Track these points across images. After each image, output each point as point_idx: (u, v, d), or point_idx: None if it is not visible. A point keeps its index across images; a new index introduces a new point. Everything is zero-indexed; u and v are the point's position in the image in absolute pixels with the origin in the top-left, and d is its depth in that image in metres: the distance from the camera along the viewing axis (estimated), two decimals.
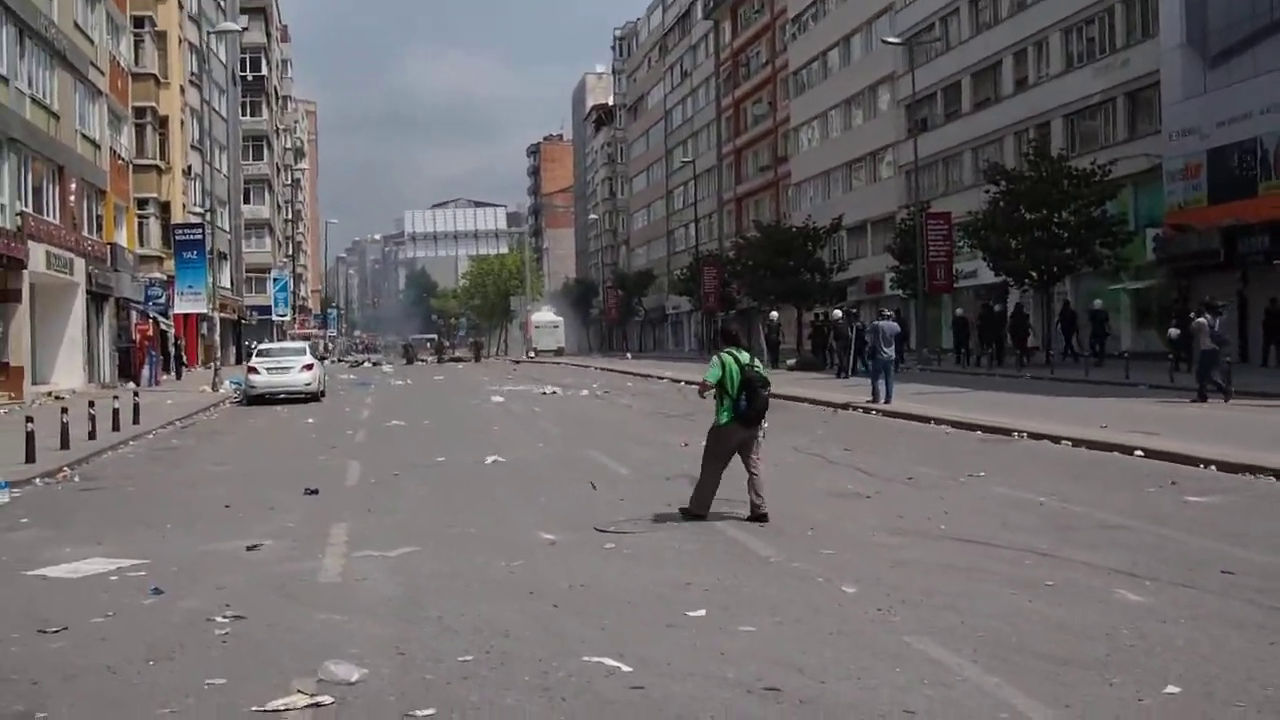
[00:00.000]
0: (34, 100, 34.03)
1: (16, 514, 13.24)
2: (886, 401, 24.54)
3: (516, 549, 10.21)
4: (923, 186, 54.95)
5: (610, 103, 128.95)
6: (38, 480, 16.06)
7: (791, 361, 44.12)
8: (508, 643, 7.17)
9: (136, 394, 26.12)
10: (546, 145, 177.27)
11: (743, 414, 11.35)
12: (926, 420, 21.30)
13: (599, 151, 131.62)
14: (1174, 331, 30.37)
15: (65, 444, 19.31)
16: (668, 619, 7.67)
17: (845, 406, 24.87)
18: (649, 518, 11.68)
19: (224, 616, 8.01)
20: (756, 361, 11.55)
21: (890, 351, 25.35)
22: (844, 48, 66.81)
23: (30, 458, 17.48)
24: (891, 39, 48.58)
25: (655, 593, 8.42)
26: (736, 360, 11.33)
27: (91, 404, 21.72)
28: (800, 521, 11.22)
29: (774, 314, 53.83)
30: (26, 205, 33.45)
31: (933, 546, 9.90)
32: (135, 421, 24.56)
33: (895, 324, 26.60)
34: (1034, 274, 39.35)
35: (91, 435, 21.05)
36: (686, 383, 36.91)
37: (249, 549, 10.58)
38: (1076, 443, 16.94)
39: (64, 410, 19.79)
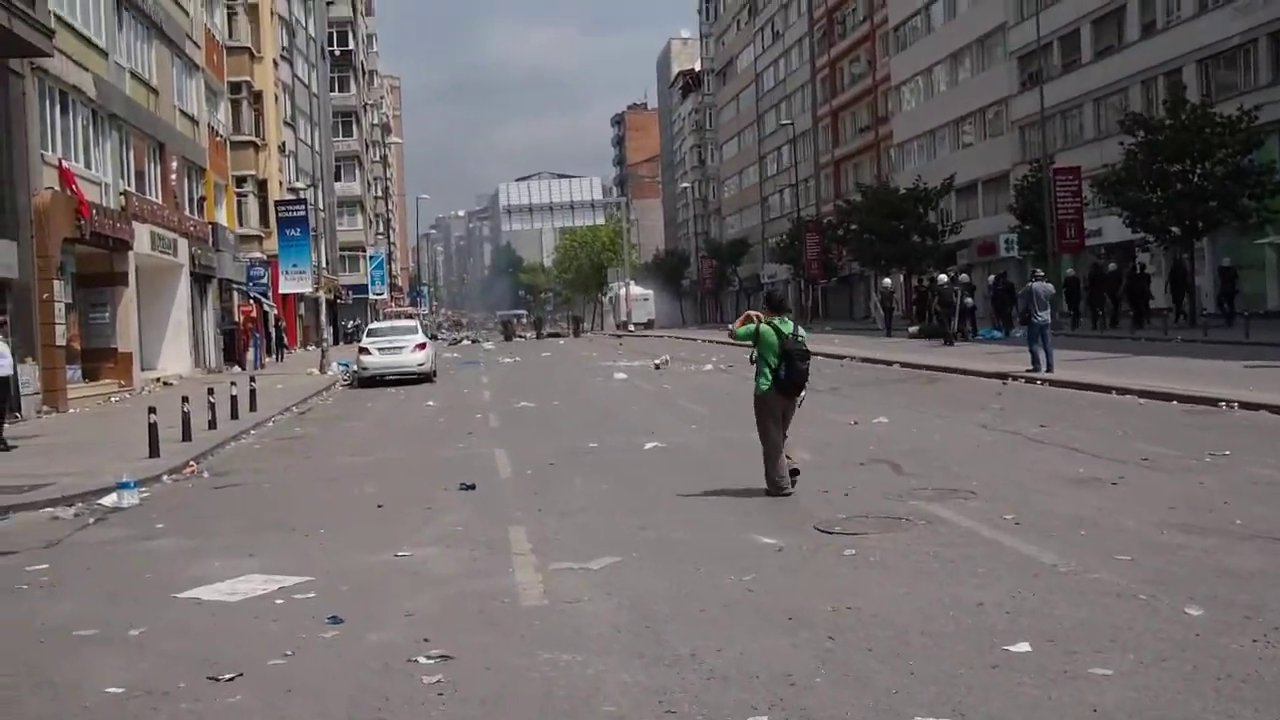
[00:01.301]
0: (134, 75, 33.11)
1: (151, 518, 12.01)
2: (1049, 370, 22.71)
3: (739, 557, 8.70)
4: (1040, 142, 52.50)
5: (697, 68, 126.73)
6: (165, 478, 14.88)
7: (914, 329, 42.16)
8: (800, 695, 5.65)
9: (253, 379, 25.01)
10: (631, 114, 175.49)
11: (782, 383, 11.26)
12: (1107, 390, 19.45)
13: (686, 119, 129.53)
14: None
15: (187, 435, 18.17)
16: (987, 657, 6.10)
17: (1005, 377, 23.00)
18: (871, 514, 10.09)
19: (427, 657, 6.57)
20: (801, 332, 11.44)
21: (1045, 315, 23.52)
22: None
23: (154, 452, 16.34)
24: None
25: (947, 618, 6.85)
26: (778, 330, 11.25)
27: (211, 391, 20.59)
28: (1056, 517, 9.56)
29: (886, 280, 52.11)
30: (130, 185, 32.58)
31: (1247, 548, 8.21)
32: (253, 408, 23.49)
33: (1049, 285, 24.72)
34: (1175, 229, 37.00)
35: (212, 424, 19.94)
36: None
37: (426, 560, 9.20)
38: None
39: (185, 399, 18.59)
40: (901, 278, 56.85)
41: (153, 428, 16.37)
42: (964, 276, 44.58)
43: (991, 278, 44.35)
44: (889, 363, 29.21)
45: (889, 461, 12.98)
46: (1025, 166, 51.06)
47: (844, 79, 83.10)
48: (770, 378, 11.27)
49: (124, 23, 32.63)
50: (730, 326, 11.91)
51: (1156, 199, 36.79)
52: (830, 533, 9.42)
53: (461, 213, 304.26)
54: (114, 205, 30.62)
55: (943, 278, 39.77)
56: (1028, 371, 22.87)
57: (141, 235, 32.35)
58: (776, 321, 11.35)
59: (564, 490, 12.40)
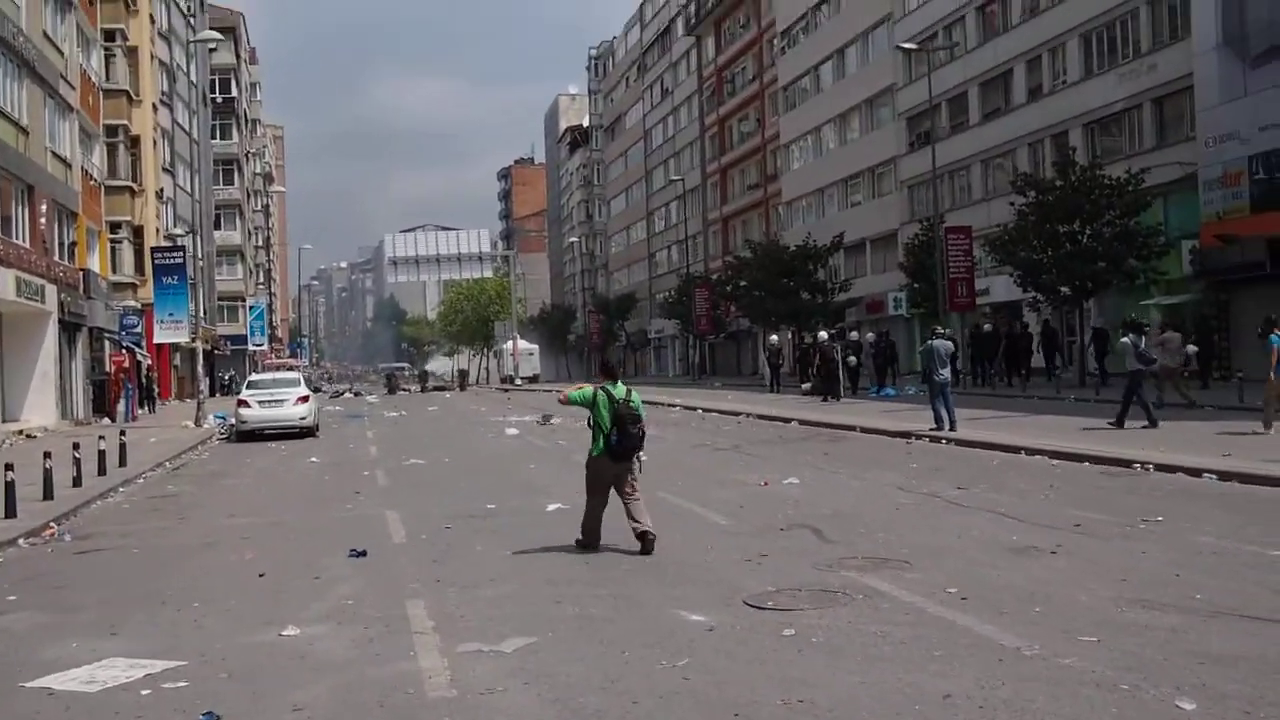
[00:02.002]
0: (2, 114, 31.50)
1: (2, 589, 10.78)
2: (952, 428, 22.33)
3: (668, 637, 7.87)
4: (928, 201, 52.99)
5: (585, 124, 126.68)
6: (22, 541, 13.60)
7: (807, 385, 41.85)
8: None
9: (123, 432, 23.56)
10: (517, 169, 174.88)
11: (613, 448, 11.24)
12: (1015, 449, 19.03)
13: (574, 174, 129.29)
14: (1191, 348, 28.92)
15: (49, 493, 16.82)
16: None
17: (909, 435, 22.58)
18: (803, 587, 9.34)
19: None
20: (634, 396, 11.45)
21: (946, 373, 23.20)
22: (838, 60, 64.81)
23: (10, 511, 15.01)
24: (906, 44, 46.41)
25: (914, 713, 6.09)
26: (610, 395, 11.26)
27: (77, 445, 19.19)
28: (1002, 590, 8.90)
29: (774, 337, 52.15)
30: None
31: (1218, 627, 7.59)
32: (122, 464, 22.12)
33: (949, 342, 24.39)
34: (1065, 289, 37.26)
35: (76, 482, 18.57)
36: (704, 410, 34.75)
37: (315, 640, 8.20)
38: (1223, 475, 14.72)
39: (47, 454, 17.23)
40: (790, 335, 56.76)
41: (9, 485, 15.05)
42: (853, 334, 44.59)
43: (871, 335, 44.56)
44: (787, 419, 28.68)
45: (809, 526, 12.27)
46: (914, 225, 51.37)
47: (733, 137, 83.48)
48: (603, 443, 11.26)
49: None
50: (564, 391, 12.06)
51: (1047, 259, 37.01)
52: (763, 608, 8.63)
53: (344, 264, 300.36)
54: None
55: (823, 335, 40.11)
56: (931, 430, 22.46)
57: (6, 281, 30.71)
58: (609, 386, 11.40)
59: (464, 557, 11.45)
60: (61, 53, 37.74)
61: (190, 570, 11.51)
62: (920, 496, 14.33)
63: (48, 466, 16.94)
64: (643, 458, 11.58)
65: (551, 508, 14.58)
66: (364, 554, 11.68)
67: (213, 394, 65.46)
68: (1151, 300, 39.15)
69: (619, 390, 11.35)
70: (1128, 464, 16.38)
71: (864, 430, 24.52)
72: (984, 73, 50.78)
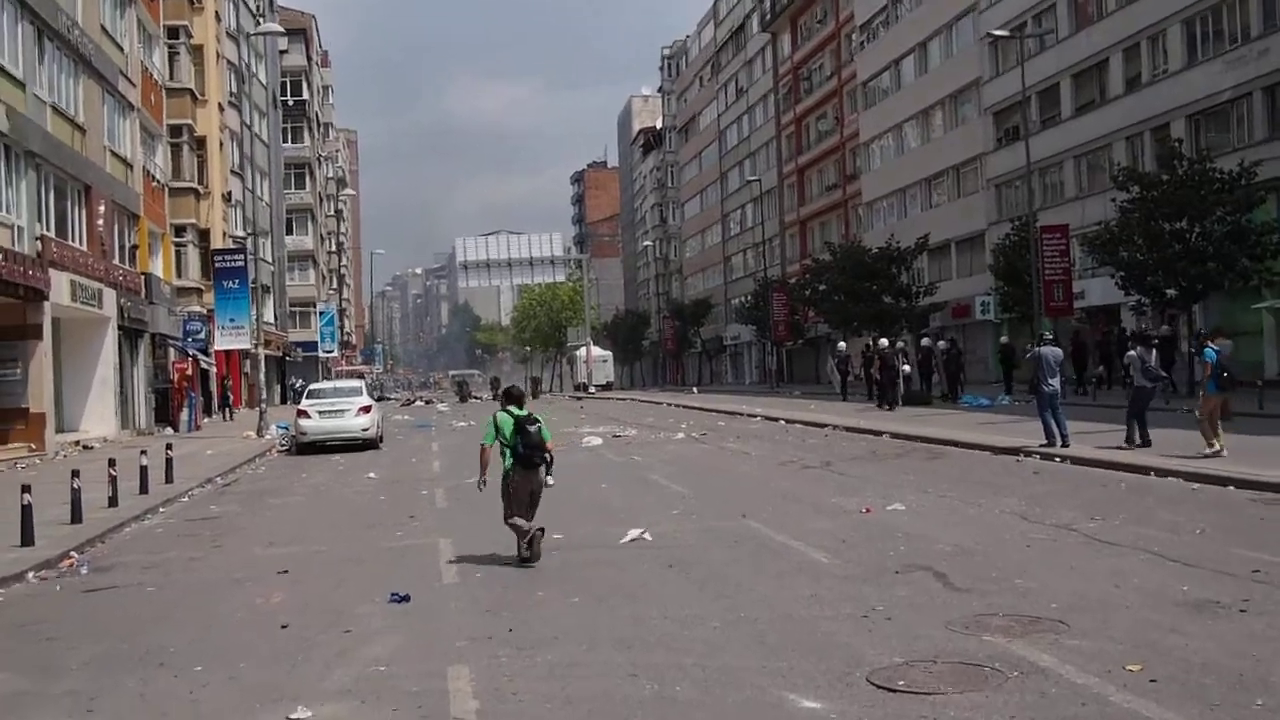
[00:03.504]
0: (56, 110, 30.39)
1: None
2: (1064, 444, 20.29)
3: None
4: (1018, 200, 50.69)
5: (659, 125, 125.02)
6: (31, 575, 12.12)
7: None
8: None
9: (170, 446, 22.15)
10: (590, 172, 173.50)
11: (520, 455, 11.71)
12: (1143, 470, 16.97)
13: (647, 176, 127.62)
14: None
15: (77, 516, 15.38)
16: None
17: (1017, 452, 20.53)
18: (939, 656, 7.50)
19: None
20: (537, 418, 11.91)
21: (1056, 383, 21.10)
22: (920, 54, 62.48)
23: (27, 539, 13.56)
24: (998, 31, 44.06)
25: None
26: (514, 415, 11.81)
27: (112, 463, 17.76)
28: (1200, 667, 6.98)
29: (841, 344, 50.69)
30: (49, 229, 29.79)
31: None
32: (168, 479, 20.74)
33: (1058, 349, 22.32)
34: (1171, 291, 34.91)
35: (112, 501, 17.18)
36: (787, 421, 32.88)
37: None
38: None
39: (74, 474, 15.77)
40: (870, 341, 54.62)
41: (25, 510, 13.60)
42: (924, 341, 42.81)
43: (942, 343, 42.91)
44: (878, 432, 26.67)
45: (929, 568, 10.40)
46: (1004, 225, 49.02)
47: (810, 136, 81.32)
48: (511, 456, 11.73)
49: (46, 54, 29.95)
50: (482, 446, 12.28)
51: (1152, 259, 34.69)
52: (893, 690, 6.81)
53: (419, 270, 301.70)
54: (28, 250, 27.80)
55: (884, 342, 39.31)
56: (1042, 446, 20.42)
57: (60, 284, 29.53)
58: (513, 408, 11.96)
59: (523, 606, 9.72)
60: (121, 49, 36.69)
61: (206, 617, 9.90)
62: (1051, 529, 12.37)
63: (75, 486, 15.49)
64: (550, 481, 12.14)
65: (626, 539, 12.80)
66: (406, 599, 10.02)
67: (283, 401, 64.74)
68: (1264, 303, 36.66)
69: (522, 412, 11.87)
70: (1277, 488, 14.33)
71: (966, 445, 22.47)
72: (1077, 63, 48.28)
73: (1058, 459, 19.37)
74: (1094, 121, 47.15)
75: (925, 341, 44.16)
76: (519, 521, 11.71)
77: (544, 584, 10.59)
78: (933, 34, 60.84)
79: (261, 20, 66.37)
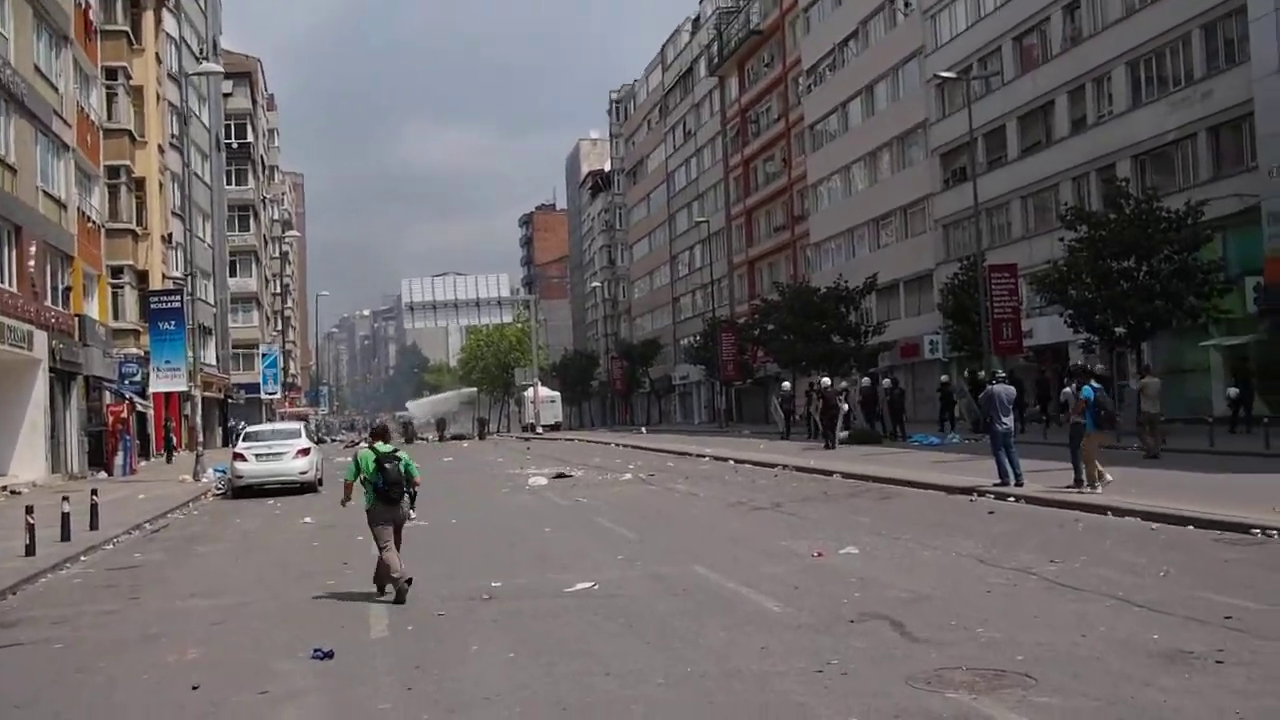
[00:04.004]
0: None
1: None
2: (1018, 483, 19.91)
3: None
4: (966, 240, 50.73)
5: (607, 168, 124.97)
6: None
7: (844, 434, 39.47)
8: None
9: (95, 492, 21.22)
10: (539, 215, 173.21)
11: (380, 490, 12.27)
12: (1100, 510, 16.55)
13: (596, 219, 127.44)
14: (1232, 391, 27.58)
15: None
16: None
17: (971, 492, 20.10)
18: (892, 713, 6.96)
19: None
20: (403, 455, 12.61)
21: (1009, 421, 20.78)
22: (867, 97, 62.66)
23: None
24: (945, 72, 44.10)
25: None
26: (377, 451, 12.41)
27: (29, 510, 16.91)
28: None
29: (785, 384, 51.07)
30: None
31: None
32: (93, 526, 19.84)
33: (1010, 387, 21.97)
34: (1120, 329, 34.80)
35: (29, 550, 16.33)
36: (736, 461, 32.37)
37: None
38: None
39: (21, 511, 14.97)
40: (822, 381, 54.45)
41: None
42: (865, 380, 43.20)
43: (887, 381, 43.79)
44: (829, 472, 26.21)
45: (886, 616, 9.87)
46: (952, 265, 48.98)
47: (758, 178, 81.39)
48: (372, 490, 12.33)
49: None
50: (346, 485, 12.98)
51: (1100, 297, 34.59)
52: None
53: (367, 312, 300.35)
54: None
55: (825, 381, 40.03)
56: (995, 485, 20.04)
57: None
58: (378, 445, 12.55)
59: (455, 663, 9.07)
60: (56, 89, 35.86)
61: (111, 677, 9.18)
62: (1011, 573, 11.88)
63: None
64: (412, 515, 12.92)
65: (572, 589, 12.17)
66: (330, 655, 9.33)
67: (225, 444, 63.49)
68: (1212, 341, 36.72)
69: (385, 448, 12.45)
70: (1244, 528, 13.95)
71: (919, 485, 22.03)
72: (1023, 105, 48.46)
73: (1012, 498, 18.97)
74: (1041, 162, 47.30)
75: (866, 381, 45.00)
76: (390, 558, 12.12)
77: (479, 637, 9.95)
78: (879, 77, 61.08)
79: (205, 62, 65.55)
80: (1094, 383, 19.74)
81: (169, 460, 46.47)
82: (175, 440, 51.40)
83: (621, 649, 9.23)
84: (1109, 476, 18.33)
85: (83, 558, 17.05)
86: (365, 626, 10.74)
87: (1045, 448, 27.36)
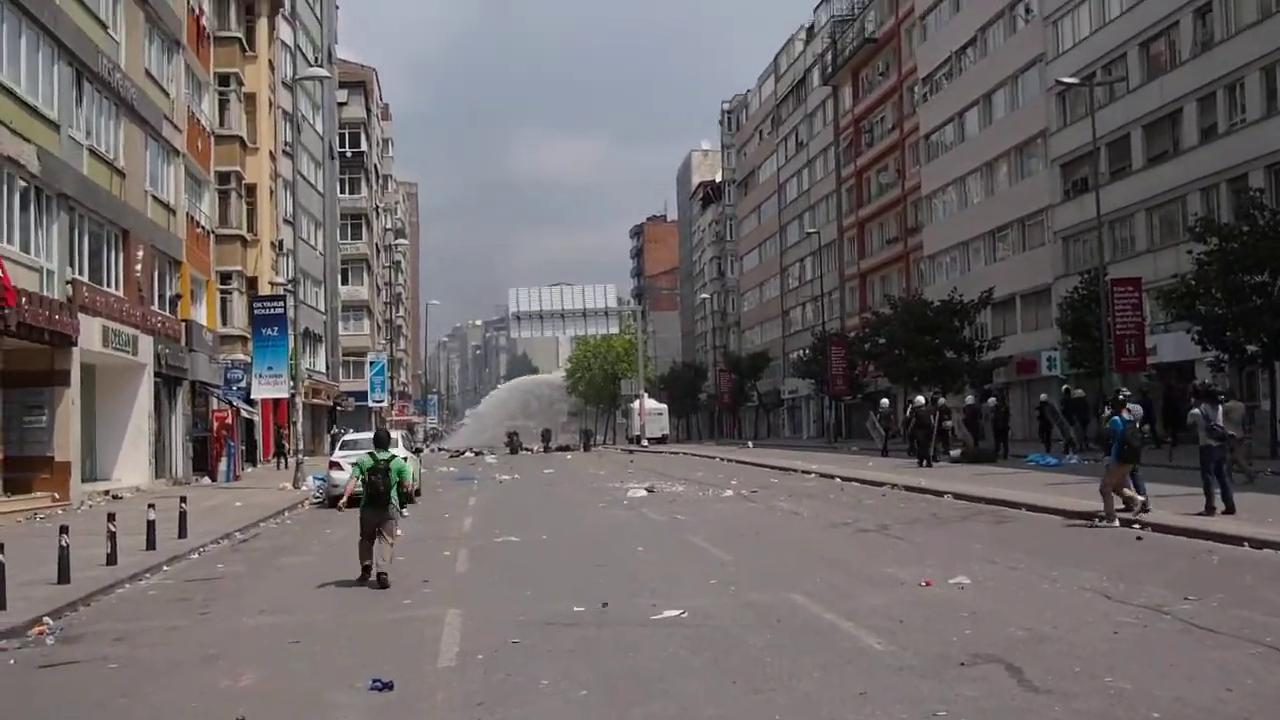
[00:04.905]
0: (93, 152, 29.67)
1: None
2: (1144, 510, 18.64)
3: None
4: (1086, 254, 48.98)
5: (718, 179, 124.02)
6: None
7: (956, 453, 38.14)
8: None
9: (184, 500, 20.86)
10: (650, 225, 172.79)
11: (368, 495, 14.18)
12: (1235, 540, 15.28)
13: (706, 230, 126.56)
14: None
15: (64, 575, 14.19)
16: None
17: (1092, 517, 18.85)
18: None
19: None
20: (395, 460, 14.31)
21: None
22: (984, 106, 60.95)
23: (1, 603, 12.34)
24: (1067, 78, 42.47)
25: None
26: (374, 457, 14.23)
27: (111, 517, 16.54)
28: None
29: (884, 401, 49.71)
30: (80, 272, 28.97)
31: None
32: (181, 534, 19.51)
33: (1138, 406, 20.66)
34: (1252, 346, 33.04)
35: (110, 559, 15.95)
36: (843, 479, 31.29)
37: None
38: None
39: (63, 530, 14.58)
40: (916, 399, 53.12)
41: None
42: (969, 399, 42.20)
43: (992, 400, 42.29)
44: (940, 493, 25.03)
45: (1001, 660, 8.88)
46: (1071, 279, 47.23)
47: (870, 189, 79.89)
48: (365, 492, 14.27)
49: (85, 96, 29.26)
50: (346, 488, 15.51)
51: (1231, 313, 32.87)
52: None
53: (479, 322, 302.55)
54: (57, 294, 26.92)
55: (919, 399, 39.36)
56: (1120, 510, 18.77)
57: (91, 330, 28.68)
58: (375, 451, 14.47)
59: (522, 699, 8.30)
60: (167, 94, 36.09)
61: (156, 706, 8.57)
62: (1140, 611, 10.78)
63: (64, 543, 14.30)
64: (405, 513, 15.14)
65: (659, 616, 11.34)
66: (390, 686, 8.63)
67: (333, 451, 63.77)
68: None
69: (384, 454, 14.34)
70: None
71: (1036, 509, 20.81)
72: (1149, 113, 46.58)
73: (1137, 525, 17.72)
74: (1167, 173, 45.38)
75: (971, 399, 44.15)
76: (369, 548, 14.17)
77: (553, 670, 9.16)
78: (998, 85, 59.33)
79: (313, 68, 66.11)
80: (1126, 414, 18.79)
81: (280, 466, 46.60)
82: (287, 446, 51.59)
83: (705, 689, 8.37)
84: (1136, 507, 18.02)
85: (165, 567, 16.66)
86: (434, 653, 10.02)
87: (1168, 470, 25.85)
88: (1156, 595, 11.54)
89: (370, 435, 35.96)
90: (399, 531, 14.96)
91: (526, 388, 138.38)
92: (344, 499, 14.62)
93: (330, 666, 9.61)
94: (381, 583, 13.79)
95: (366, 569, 14.25)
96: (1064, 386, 43.49)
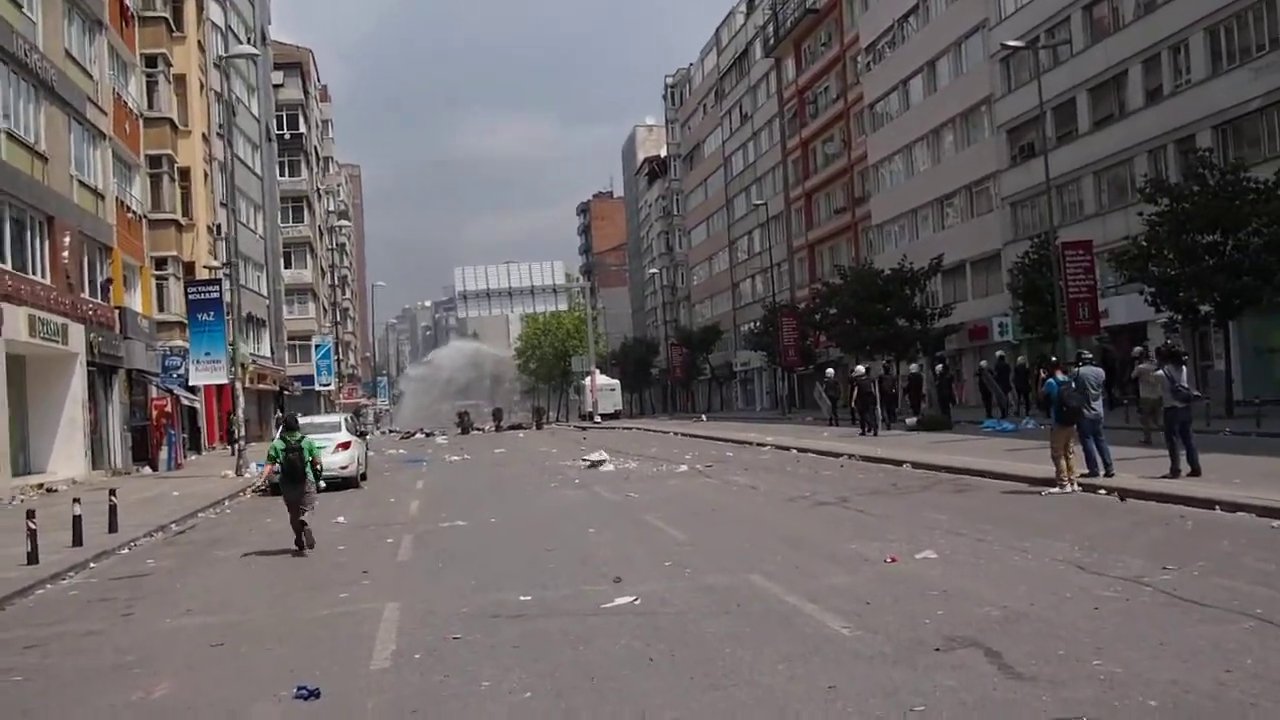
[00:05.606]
0: (11, 136, 28.48)
1: None
2: (1108, 474, 18.17)
3: None
4: (1035, 219, 48.70)
5: (663, 154, 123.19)
6: None
7: (911, 420, 37.74)
8: None
9: (113, 493, 19.91)
10: (596, 203, 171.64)
11: (286, 472, 16.07)
12: (1208, 504, 14.80)
13: (653, 205, 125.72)
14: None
15: None
16: None
17: (1052, 482, 18.32)
18: None
19: None
20: (305, 442, 16.31)
21: (1099, 407, 18.94)
22: (929, 73, 60.49)
23: None
24: (1013, 42, 42.00)
25: None
26: (286, 440, 16.17)
27: (31, 515, 15.62)
28: None
29: (829, 371, 49.43)
30: (3, 260, 27.88)
31: None
32: (112, 529, 18.60)
33: (1099, 369, 20.14)
34: (1206, 307, 32.78)
35: (31, 558, 15.07)
36: (799, 450, 30.76)
37: None
38: None
39: (30, 514, 13.72)
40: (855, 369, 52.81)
41: None
42: (911, 367, 44.67)
43: (939, 367, 43.93)
44: (899, 462, 24.50)
45: (978, 643, 8.24)
46: (1021, 244, 46.93)
47: (817, 160, 79.38)
48: (282, 472, 16.13)
49: None
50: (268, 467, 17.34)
51: (1184, 274, 32.57)
52: None
53: (428, 303, 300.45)
54: None
55: (860, 369, 39.91)
56: (1083, 475, 18.29)
57: (15, 319, 27.62)
58: (286, 435, 16.28)
59: (460, 702, 7.59)
60: (90, 75, 34.82)
61: None
62: (1120, 584, 10.20)
63: None
64: (322, 485, 16.92)
65: (610, 604, 10.64)
66: (316, 694, 7.88)
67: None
68: None
69: (294, 437, 16.17)
70: None
71: (998, 476, 20.30)
72: (1093, 76, 46.25)
73: (1103, 490, 17.22)
74: (1113, 135, 45.12)
75: (914, 367, 45.74)
76: (298, 525, 15.81)
77: (494, 668, 8.44)
78: (941, 52, 58.96)
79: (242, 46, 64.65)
80: (1060, 375, 18.72)
81: (234, 453, 45.47)
82: (238, 433, 50.39)
83: (660, 687, 7.67)
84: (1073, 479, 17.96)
85: (91, 564, 15.80)
86: (368, 653, 9.26)
87: (1125, 432, 25.42)
88: (1134, 565, 10.98)
89: (318, 419, 35.42)
90: (316, 503, 16.65)
91: (474, 349, 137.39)
92: (263, 480, 16.23)
93: (254, 672, 8.84)
94: (308, 541, 15.79)
95: (299, 543, 15.81)
96: (998, 353, 43.67)
